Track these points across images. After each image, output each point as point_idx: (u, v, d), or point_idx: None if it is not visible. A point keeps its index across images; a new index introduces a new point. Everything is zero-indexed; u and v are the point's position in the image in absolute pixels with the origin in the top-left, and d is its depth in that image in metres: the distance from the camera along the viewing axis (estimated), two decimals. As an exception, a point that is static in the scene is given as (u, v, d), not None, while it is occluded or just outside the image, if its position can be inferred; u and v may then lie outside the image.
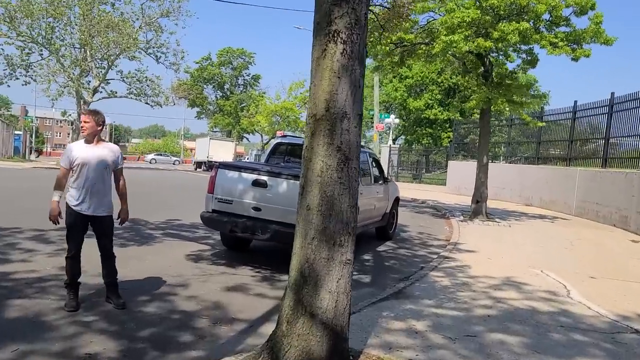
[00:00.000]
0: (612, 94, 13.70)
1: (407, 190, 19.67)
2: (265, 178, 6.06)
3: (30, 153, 43.98)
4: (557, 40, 10.97)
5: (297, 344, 3.00)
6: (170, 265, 5.97)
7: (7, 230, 7.11)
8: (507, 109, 12.95)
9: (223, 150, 37.94)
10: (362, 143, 4.81)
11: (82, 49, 29.20)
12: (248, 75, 62.79)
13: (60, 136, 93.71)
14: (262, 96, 50.45)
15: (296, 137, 9.55)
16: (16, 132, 40.68)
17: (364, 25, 3.10)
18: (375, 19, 10.84)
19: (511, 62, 12.46)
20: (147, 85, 31.59)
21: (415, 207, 16.15)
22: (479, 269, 6.66)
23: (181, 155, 70.65)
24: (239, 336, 3.92)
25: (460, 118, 27.98)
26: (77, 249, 4.19)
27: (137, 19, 29.96)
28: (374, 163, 8.62)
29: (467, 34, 10.78)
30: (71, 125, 44.43)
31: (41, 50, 28.99)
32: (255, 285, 5.43)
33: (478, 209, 12.29)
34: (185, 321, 4.14)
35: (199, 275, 5.60)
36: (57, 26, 28.41)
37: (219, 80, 60.76)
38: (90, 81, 30.05)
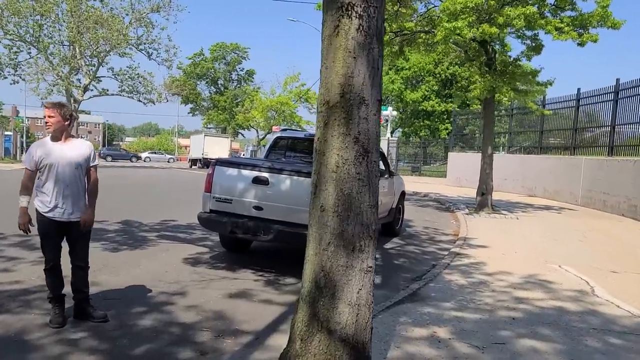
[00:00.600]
0: (618, 80, 13.36)
1: (408, 183, 19.14)
2: (266, 175, 5.65)
3: (22, 154, 43.23)
4: (562, 25, 10.55)
5: (314, 365, 2.62)
6: (167, 270, 5.58)
7: (-9, 237, 6.66)
8: (507, 98, 12.54)
9: (218, 147, 37.18)
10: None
11: (71, 46, 28.62)
12: (242, 71, 62.20)
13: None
14: (257, 91, 49.81)
15: (296, 131, 9.13)
16: (6, 133, 39.92)
17: (382, -4, 2.70)
18: None
19: (508, 51, 12.04)
20: (140, 82, 31.07)
21: (418, 200, 15.81)
22: (494, 265, 6.31)
23: (175, 152, 69.96)
24: (245, 350, 3.54)
25: (458, 109, 27.59)
26: (55, 260, 3.75)
27: (127, 15, 29.42)
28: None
29: (470, 20, 10.36)
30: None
31: (29, 49, 28.43)
32: (260, 290, 5.04)
33: (484, 201, 11.93)
34: (185, 335, 3.76)
35: (197, 281, 5.21)
36: (45, 24, 27.83)
37: (213, 75, 60.01)
38: (80, 79, 29.49)
